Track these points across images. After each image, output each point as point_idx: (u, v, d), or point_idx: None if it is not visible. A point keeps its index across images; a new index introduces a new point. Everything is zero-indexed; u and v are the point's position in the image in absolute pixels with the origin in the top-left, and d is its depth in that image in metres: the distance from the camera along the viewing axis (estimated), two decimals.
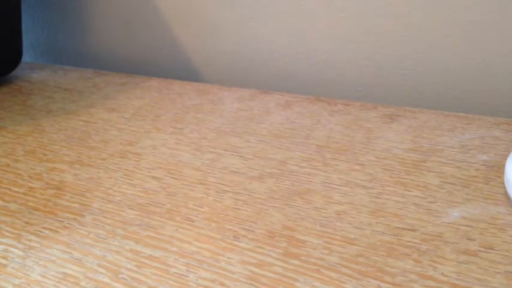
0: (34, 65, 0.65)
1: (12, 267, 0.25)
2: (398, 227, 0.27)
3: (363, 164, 0.34)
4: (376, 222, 0.28)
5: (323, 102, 0.45)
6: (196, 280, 0.24)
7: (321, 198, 0.30)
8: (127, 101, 0.48)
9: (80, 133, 0.41)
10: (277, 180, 0.32)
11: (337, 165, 0.34)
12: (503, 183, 0.31)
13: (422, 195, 0.30)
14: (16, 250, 0.27)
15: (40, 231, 0.29)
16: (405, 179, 0.32)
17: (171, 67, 0.62)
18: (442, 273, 0.24)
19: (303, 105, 0.45)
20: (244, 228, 0.28)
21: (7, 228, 0.29)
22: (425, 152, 0.35)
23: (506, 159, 0.32)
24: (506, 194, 0.29)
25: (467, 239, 0.26)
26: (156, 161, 0.36)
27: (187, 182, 0.33)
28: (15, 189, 0.33)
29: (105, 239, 0.27)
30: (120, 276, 0.24)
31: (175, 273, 0.24)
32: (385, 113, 0.42)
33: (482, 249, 0.25)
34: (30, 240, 0.28)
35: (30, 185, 0.34)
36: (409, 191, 0.31)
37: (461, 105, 0.47)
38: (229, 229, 0.28)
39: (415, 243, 0.26)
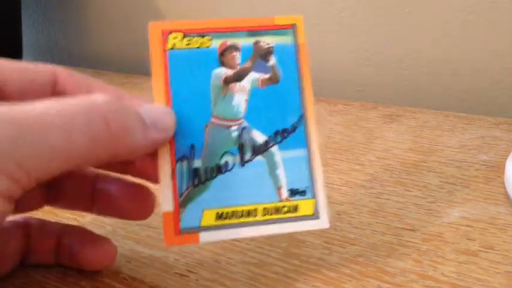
0: None
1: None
2: (398, 227, 0.27)
3: (363, 164, 0.34)
4: (376, 222, 0.28)
5: (323, 102, 0.45)
6: (197, 280, 0.24)
7: None
8: None
9: None
10: None
11: (337, 165, 0.34)
12: (503, 183, 0.31)
13: (422, 195, 0.30)
14: None
15: None
16: (405, 179, 0.32)
17: None
18: (442, 273, 0.24)
19: None
20: None
21: None
22: (425, 152, 0.35)
23: (506, 159, 0.32)
24: (506, 194, 0.29)
25: (467, 239, 0.26)
26: None
27: None
28: None
29: None
30: (120, 276, 0.24)
31: (175, 273, 0.24)
32: (385, 113, 0.42)
33: (482, 249, 0.25)
34: None
35: None
36: (409, 191, 0.31)
37: (461, 105, 0.47)
38: None
39: (415, 243, 0.26)
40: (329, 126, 0.40)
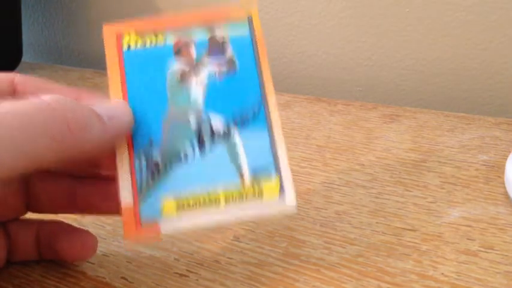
0: (34, 65, 0.65)
1: (13, 267, 0.25)
2: (398, 227, 0.27)
3: (363, 164, 0.34)
4: (376, 222, 0.28)
5: (323, 102, 0.45)
6: (197, 280, 0.24)
7: (321, 198, 0.30)
8: None
9: None
10: None
11: (337, 165, 0.34)
12: (503, 183, 0.31)
13: (422, 195, 0.30)
14: None
15: None
16: (405, 179, 0.32)
17: None
18: (442, 273, 0.24)
19: (303, 105, 0.45)
20: (244, 228, 0.28)
21: None
22: (425, 152, 0.35)
23: (506, 159, 0.32)
24: (506, 194, 0.29)
25: (467, 239, 0.26)
26: None
27: None
28: None
29: (105, 239, 0.27)
30: (120, 276, 0.24)
31: (175, 273, 0.24)
32: (385, 113, 0.42)
33: (482, 249, 0.25)
34: None
35: None
36: (409, 191, 0.31)
37: (461, 105, 0.47)
38: (229, 229, 0.28)
39: (415, 243, 0.26)
40: (329, 126, 0.40)
